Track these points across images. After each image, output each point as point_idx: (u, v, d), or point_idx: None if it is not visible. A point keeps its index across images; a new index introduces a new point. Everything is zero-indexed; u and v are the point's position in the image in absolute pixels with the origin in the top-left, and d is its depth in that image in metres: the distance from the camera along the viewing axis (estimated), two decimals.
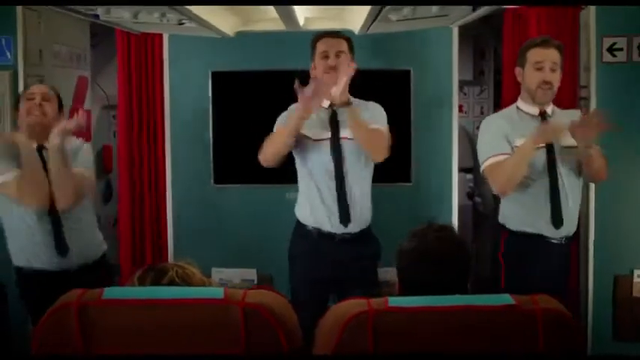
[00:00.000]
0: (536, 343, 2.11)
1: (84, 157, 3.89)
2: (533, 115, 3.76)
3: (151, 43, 5.11)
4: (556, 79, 3.73)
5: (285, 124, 3.78)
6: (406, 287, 2.47)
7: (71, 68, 5.02)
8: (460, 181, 5.16)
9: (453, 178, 4.99)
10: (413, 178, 4.93)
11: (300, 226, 3.93)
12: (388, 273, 4.49)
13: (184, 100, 4.98)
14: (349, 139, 3.78)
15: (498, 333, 2.13)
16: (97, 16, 3.11)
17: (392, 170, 4.52)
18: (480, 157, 3.78)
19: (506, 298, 2.19)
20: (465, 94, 6.62)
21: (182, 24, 3.15)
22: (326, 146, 3.80)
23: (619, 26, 4.36)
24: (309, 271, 3.85)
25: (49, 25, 4.55)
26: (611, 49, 4.36)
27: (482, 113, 6.73)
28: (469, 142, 6.33)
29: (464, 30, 4.95)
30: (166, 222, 5.17)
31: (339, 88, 3.71)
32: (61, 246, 3.72)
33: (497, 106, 6.12)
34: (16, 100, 3.88)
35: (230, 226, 5.05)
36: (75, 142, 3.88)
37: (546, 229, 3.71)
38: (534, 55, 3.72)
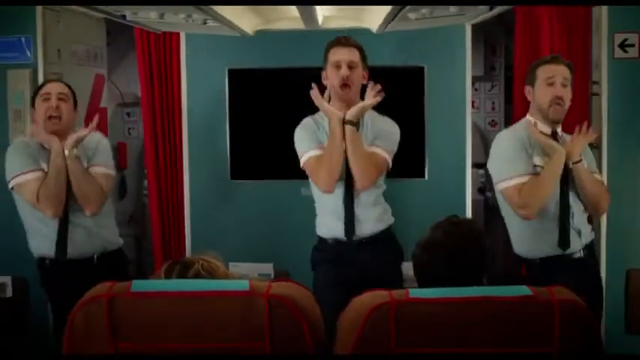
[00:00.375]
0: (552, 334, 2.16)
1: (103, 152, 3.96)
2: (546, 135, 3.68)
3: (169, 41, 5.17)
4: (567, 95, 3.67)
5: (310, 142, 3.79)
6: (421, 281, 2.53)
7: (89, 66, 5.06)
8: (472, 176, 5.19)
9: (467, 173, 5.03)
10: (427, 174, 4.97)
11: (319, 237, 3.95)
12: (410, 269, 4.56)
13: (202, 97, 5.02)
14: None
15: (516, 323, 2.18)
16: (124, 17, 3.16)
17: (406, 165, 4.58)
18: (499, 174, 3.69)
19: (523, 290, 2.25)
20: (477, 89, 6.64)
21: (206, 24, 3.20)
22: None
23: (631, 23, 4.38)
24: (330, 276, 3.83)
25: (67, 24, 4.60)
26: (622, 45, 4.38)
27: (493, 109, 6.75)
28: (481, 137, 6.37)
29: (475, 27, 4.97)
30: (184, 217, 5.22)
31: (359, 111, 3.71)
32: (61, 249, 3.81)
33: (508, 102, 6.22)
34: (32, 96, 3.91)
35: (246, 220, 5.08)
36: (93, 137, 3.94)
37: (558, 250, 3.65)
38: (545, 71, 3.66)
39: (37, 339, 4.39)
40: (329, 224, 3.87)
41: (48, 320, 4.31)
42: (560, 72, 3.65)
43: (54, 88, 3.84)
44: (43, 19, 4.31)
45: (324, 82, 3.82)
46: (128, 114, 6.32)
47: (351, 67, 3.74)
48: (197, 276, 2.38)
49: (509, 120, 5.93)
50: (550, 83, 3.64)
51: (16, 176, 3.79)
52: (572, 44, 4.74)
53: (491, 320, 2.18)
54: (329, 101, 3.77)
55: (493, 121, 6.70)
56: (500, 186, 3.66)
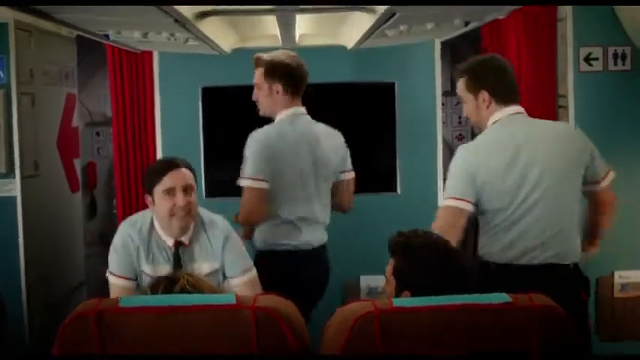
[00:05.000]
0: (532, 340, 2.22)
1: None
2: None
3: (141, 59, 5.17)
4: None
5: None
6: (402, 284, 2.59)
7: (60, 86, 5.03)
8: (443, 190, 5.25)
9: (438, 186, 5.10)
10: (399, 188, 5.03)
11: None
12: (376, 280, 4.61)
13: (175, 115, 5.04)
14: None
15: (497, 329, 2.25)
16: (106, 36, 3.17)
17: (379, 180, 4.64)
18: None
19: (502, 297, 2.31)
20: (444, 104, 6.68)
21: (187, 42, 3.23)
22: None
23: (595, 36, 4.47)
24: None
25: (39, 44, 4.56)
26: (587, 59, 4.47)
27: (460, 123, 6.84)
28: (449, 151, 6.45)
29: (443, 43, 5.07)
30: None
31: None
32: None
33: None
34: (149, 183, 3.33)
35: None
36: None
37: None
38: None
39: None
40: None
41: (24, 338, 4.30)
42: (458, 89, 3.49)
43: (178, 181, 3.27)
44: (16, 39, 4.29)
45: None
46: (97, 133, 6.32)
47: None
48: (183, 291, 2.43)
49: (476, 134, 5.98)
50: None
51: (110, 273, 3.42)
52: (538, 58, 4.79)
53: (473, 326, 2.25)
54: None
55: (460, 134, 6.80)
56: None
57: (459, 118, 6.87)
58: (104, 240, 6.02)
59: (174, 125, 5.05)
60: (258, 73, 3.84)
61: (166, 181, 3.25)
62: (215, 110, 4.96)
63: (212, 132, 4.93)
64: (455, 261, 2.59)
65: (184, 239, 3.33)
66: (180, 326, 2.24)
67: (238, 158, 3.85)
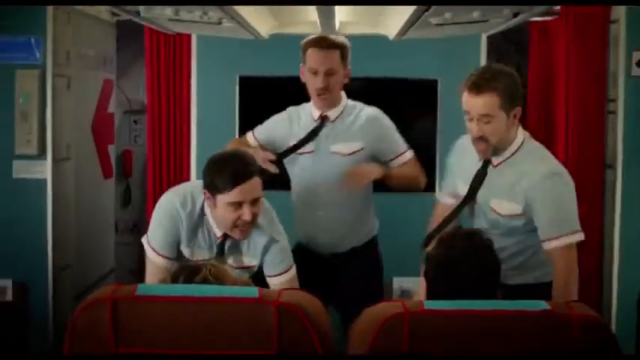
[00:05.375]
0: (571, 350, 2.10)
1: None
2: None
3: (179, 45, 5.10)
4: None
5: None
6: (434, 297, 2.42)
7: (97, 71, 5.04)
8: None
9: None
10: (438, 188, 4.89)
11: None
12: (409, 282, 4.49)
13: (211, 105, 4.90)
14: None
15: (533, 338, 2.13)
16: (138, 13, 3.09)
17: None
18: None
19: (540, 304, 2.19)
20: None
21: (221, 23, 3.14)
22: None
23: None
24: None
25: (77, 26, 4.57)
26: None
27: None
28: None
29: (489, 45, 4.90)
30: None
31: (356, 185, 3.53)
32: None
33: (521, 120, 6.11)
34: (212, 186, 3.01)
35: None
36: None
37: None
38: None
39: (37, 342, 4.33)
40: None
41: (48, 323, 4.29)
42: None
43: (248, 195, 2.97)
44: (54, 20, 4.27)
45: (302, 77, 3.65)
46: (135, 121, 6.26)
47: (329, 74, 3.52)
48: (205, 281, 2.33)
49: None
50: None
51: (150, 248, 3.20)
52: (588, 60, 4.68)
53: (508, 334, 2.12)
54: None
55: None
56: None
57: None
58: (137, 229, 6.10)
59: (211, 114, 4.90)
60: (332, 56, 3.51)
61: (234, 195, 2.95)
62: (253, 100, 4.81)
63: (249, 123, 4.82)
64: (488, 265, 2.44)
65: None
66: (198, 319, 2.13)
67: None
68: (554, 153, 4.69)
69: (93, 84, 4.95)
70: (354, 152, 3.61)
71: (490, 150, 3.07)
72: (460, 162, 3.31)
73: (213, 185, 2.99)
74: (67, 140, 4.50)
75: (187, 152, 5.09)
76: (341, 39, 3.59)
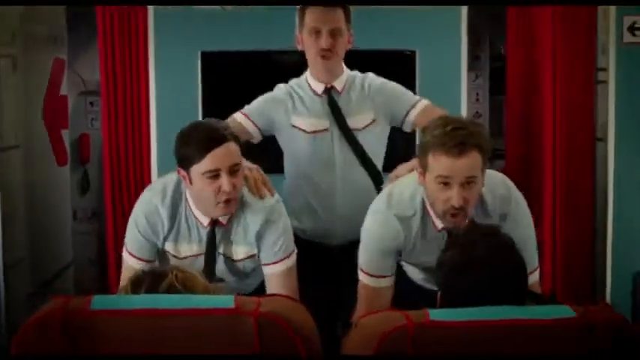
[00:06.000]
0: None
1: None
2: None
3: (134, 21, 4.77)
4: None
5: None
6: (450, 303, 2.04)
7: (47, 49, 4.78)
8: None
9: None
10: None
11: None
12: None
13: (171, 83, 4.66)
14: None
15: (556, 349, 1.84)
16: None
17: (395, 157, 4.28)
18: None
19: (565, 310, 1.90)
20: None
21: None
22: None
23: None
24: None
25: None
26: (632, 29, 4.13)
27: (477, 100, 6.49)
28: None
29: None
30: None
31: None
32: None
33: (495, 93, 5.94)
34: (183, 158, 2.74)
35: None
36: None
37: None
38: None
39: None
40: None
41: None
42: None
43: (224, 161, 2.69)
44: None
45: (298, 46, 3.33)
46: (91, 103, 5.96)
47: (334, 34, 3.20)
48: (171, 289, 1.99)
49: (494, 111, 5.83)
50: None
51: (126, 251, 2.94)
52: (575, 28, 4.46)
53: (528, 346, 1.84)
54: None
55: (477, 112, 6.45)
56: None
57: (477, 94, 6.50)
58: (96, 217, 5.81)
59: (171, 94, 4.66)
60: (337, 14, 3.20)
61: (208, 162, 2.67)
62: (216, 77, 4.58)
63: (212, 101, 4.57)
64: (515, 266, 2.11)
65: (222, 218, 2.84)
66: (165, 334, 1.84)
67: None
68: (540, 127, 4.51)
69: (42, 64, 4.69)
70: (366, 126, 3.35)
71: (465, 219, 2.67)
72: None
73: (185, 158, 2.71)
74: (15, 126, 4.26)
75: (147, 134, 4.82)
76: None
